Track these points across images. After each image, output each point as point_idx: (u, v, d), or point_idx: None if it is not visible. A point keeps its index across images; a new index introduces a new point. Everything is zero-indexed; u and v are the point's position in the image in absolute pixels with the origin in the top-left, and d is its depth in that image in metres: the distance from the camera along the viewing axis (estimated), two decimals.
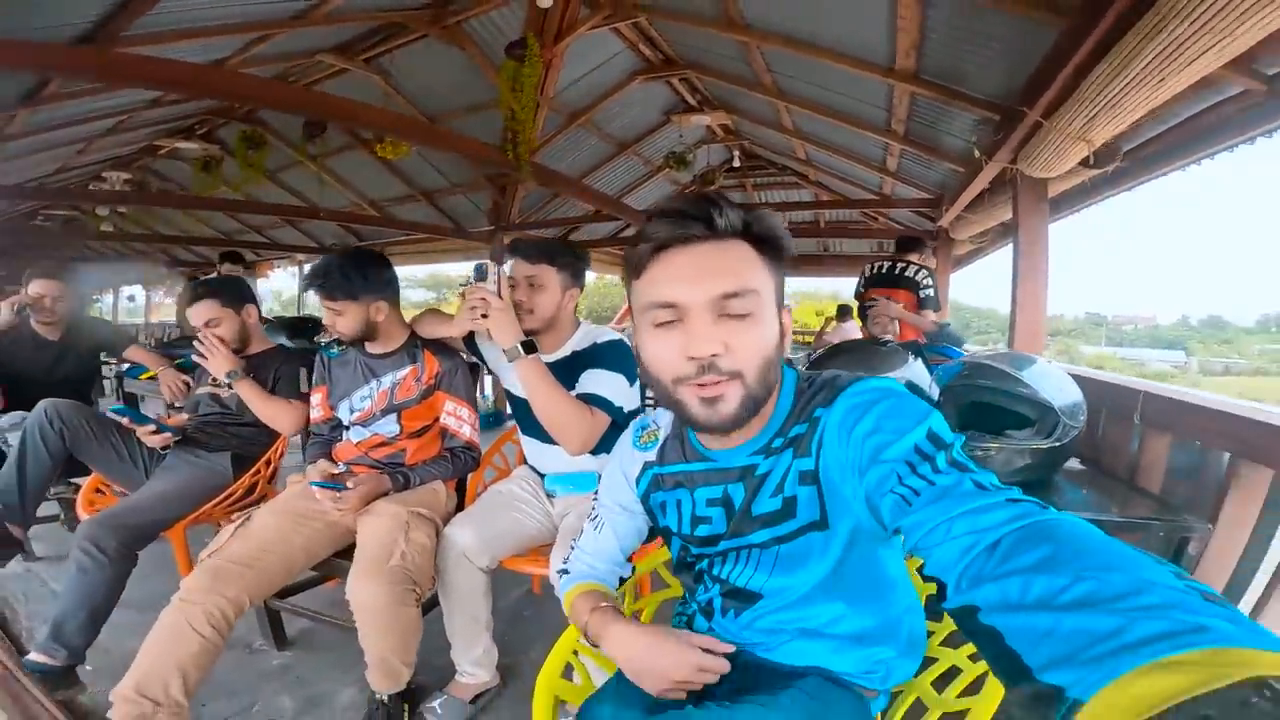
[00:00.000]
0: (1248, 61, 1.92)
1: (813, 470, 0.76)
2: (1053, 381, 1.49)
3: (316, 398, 1.88)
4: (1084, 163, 2.23)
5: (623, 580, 1.04)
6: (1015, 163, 2.58)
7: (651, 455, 0.94)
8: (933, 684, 0.96)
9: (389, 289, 1.75)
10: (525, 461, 1.86)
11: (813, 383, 0.81)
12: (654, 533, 1.02)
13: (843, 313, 6.87)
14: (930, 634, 1.04)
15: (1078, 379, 1.61)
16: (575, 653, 1.08)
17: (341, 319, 1.69)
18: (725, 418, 0.72)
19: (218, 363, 1.96)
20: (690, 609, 0.95)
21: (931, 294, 3.39)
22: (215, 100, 5.11)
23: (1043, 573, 0.43)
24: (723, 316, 0.72)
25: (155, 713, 1.23)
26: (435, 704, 1.60)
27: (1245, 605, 1.31)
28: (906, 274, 3.46)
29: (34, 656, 1.53)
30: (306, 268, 12.11)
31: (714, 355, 0.71)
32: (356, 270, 1.68)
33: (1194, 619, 0.35)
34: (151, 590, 2.08)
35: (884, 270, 3.54)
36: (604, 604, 0.93)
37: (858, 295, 3.66)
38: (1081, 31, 1.83)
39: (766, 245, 0.76)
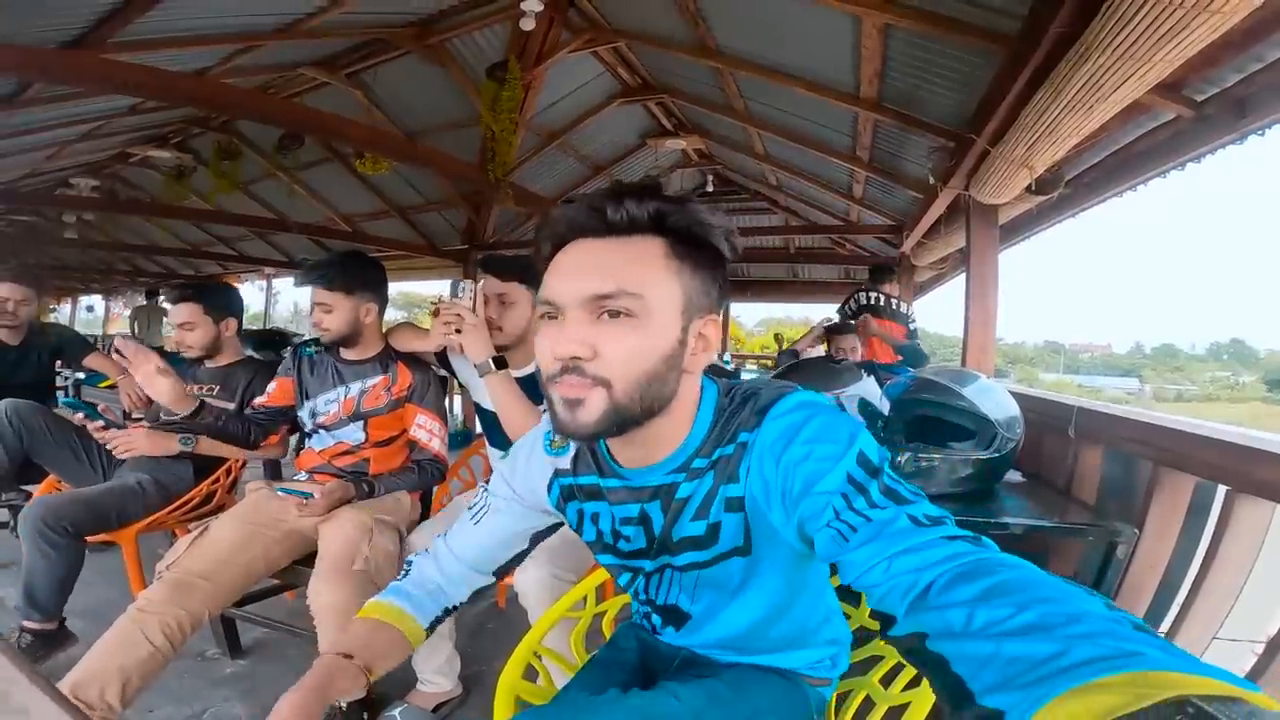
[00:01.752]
0: (1179, 88, 2.04)
1: (740, 497, 0.72)
2: (992, 397, 1.58)
3: (273, 385, 1.83)
4: (1029, 189, 2.36)
5: (453, 606, 0.90)
6: (967, 189, 2.71)
7: (564, 463, 0.85)
8: (880, 680, 1.00)
9: (380, 294, 1.78)
10: (491, 473, 1.88)
11: (734, 398, 0.75)
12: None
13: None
14: (875, 633, 1.08)
15: (1017, 395, 1.70)
16: (537, 655, 1.09)
17: (331, 315, 1.69)
18: (583, 425, 0.66)
19: (156, 443, 1.87)
20: (645, 616, 0.95)
21: (914, 326, 3.97)
22: (195, 109, 5.07)
23: (985, 604, 0.45)
24: (601, 317, 0.66)
25: (87, 715, 1.21)
26: (395, 712, 1.56)
27: (1173, 607, 1.39)
28: (900, 309, 3.98)
29: (26, 624, 1.67)
30: (275, 282, 11.96)
31: (575, 357, 0.65)
32: (356, 267, 1.72)
33: (1125, 645, 0.37)
34: (100, 598, 2.05)
35: (879, 302, 4.01)
36: (345, 657, 0.78)
37: (850, 316, 3.94)
38: (1020, 62, 1.94)
39: (688, 243, 0.69)
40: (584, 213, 0.69)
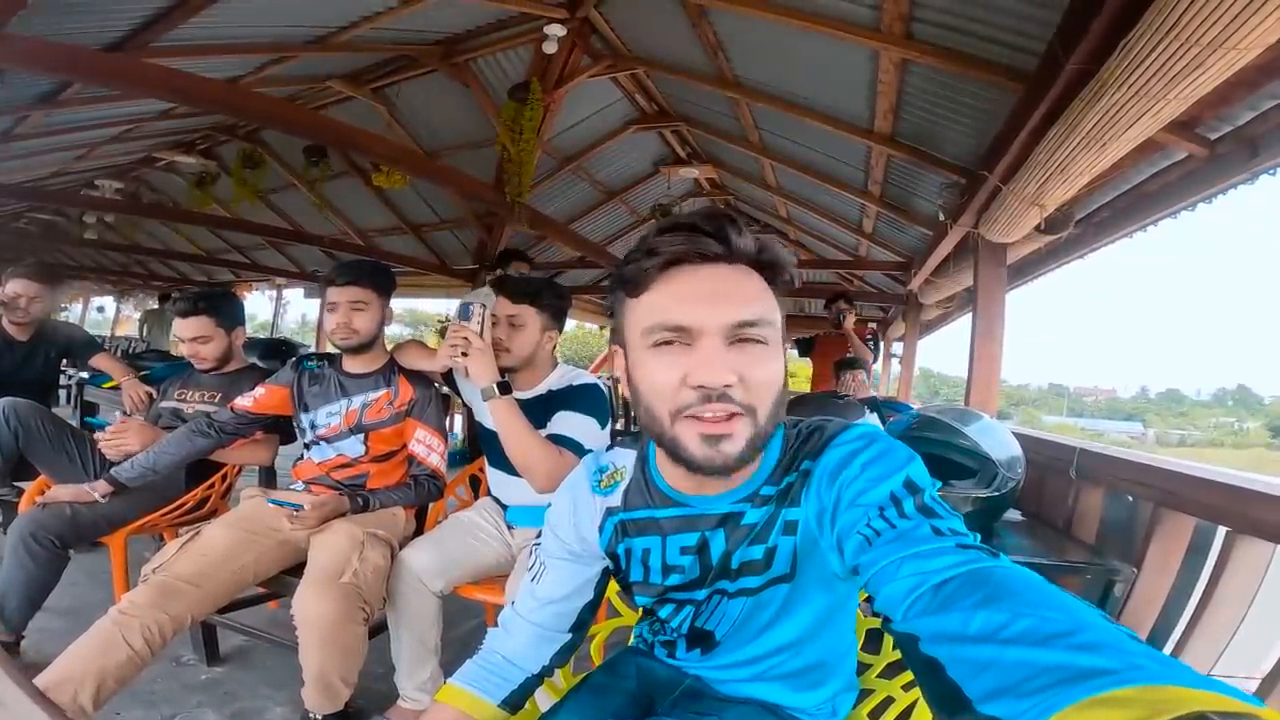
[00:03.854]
0: (1192, 125, 2.04)
1: (796, 521, 0.74)
2: (994, 436, 1.59)
3: (261, 390, 1.81)
4: (1039, 228, 2.36)
5: (534, 675, 0.89)
6: (977, 227, 2.72)
7: (615, 500, 0.85)
8: (869, 714, 0.99)
9: (391, 293, 1.82)
10: (489, 493, 1.87)
11: (799, 432, 0.77)
12: (616, 578, 0.92)
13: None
14: (868, 666, 1.07)
15: (1020, 436, 1.71)
16: None
17: (364, 314, 1.71)
18: (729, 458, 0.65)
19: (146, 438, 1.86)
20: (651, 639, 0.94)
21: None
22: (224, 116, 5.18)
23: (983, 609, 0.45)
24: (736, 344, 0.66)
25: (63, 713, 1.19)
26: None
27: (1169, 644, 1.39)
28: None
29: None
30: (285, 292, 12.06)
31: (726, 386, 0.64)
32: (385, 271, 1.78)
33: (1128, 658, 0.36)
34: (83, 598, 2.04)
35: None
36: None
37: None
38: (1035, 98, 1.94)
39: (774, 276, 0.71)
40: (701, 237, 0.68)
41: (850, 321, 4.40)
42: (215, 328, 2.01)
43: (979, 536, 0.58)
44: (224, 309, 2.04)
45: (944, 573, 0.52)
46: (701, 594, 0.81)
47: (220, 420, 1.81)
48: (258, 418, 1.83)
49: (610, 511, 0.85)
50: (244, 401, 1.82)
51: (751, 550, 0.76)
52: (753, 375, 0.65)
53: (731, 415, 0.64)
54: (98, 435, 1.90)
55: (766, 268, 0.70)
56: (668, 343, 0.67)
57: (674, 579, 0.82)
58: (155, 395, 2.28)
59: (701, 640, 0.85)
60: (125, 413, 2.48)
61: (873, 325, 4.89)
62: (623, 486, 0.85)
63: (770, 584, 0.77)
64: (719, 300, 0.66)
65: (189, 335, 1.99)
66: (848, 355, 4.17)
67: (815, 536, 0.72)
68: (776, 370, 0.68)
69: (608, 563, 0.89)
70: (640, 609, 0.95)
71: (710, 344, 0.65)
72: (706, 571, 0.79)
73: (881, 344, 4.57)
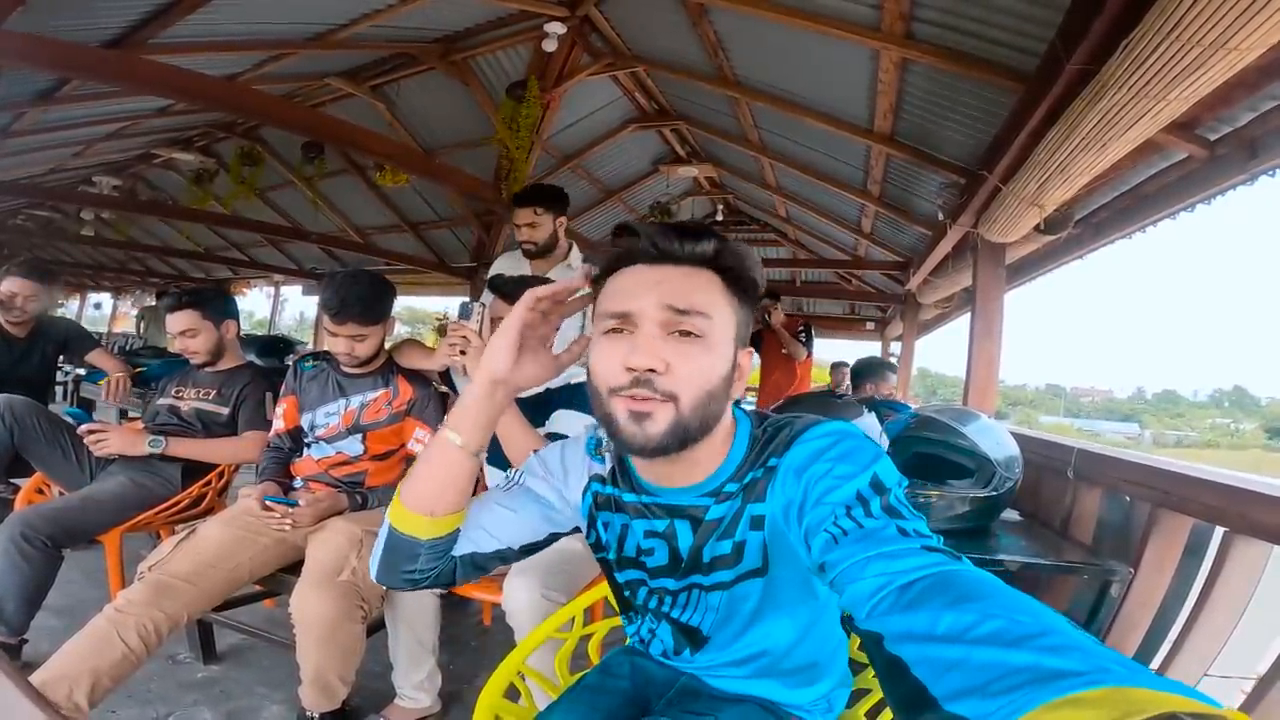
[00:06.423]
0: (1192, 126, 2.04)
1: (763, 515, 0.75)
2: (992, 436, 1.59)
3: (282, 407, 1.85)
4: (1038, 228, 2.36)
5: (474, 554, 0.82)
6: (976, 227, 2.72)
7: (603, 470, 0.87)
8: (865, 714, 1.00)
9: (391, 309, 1.80)
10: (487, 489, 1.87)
11: (767, 430, 0.79)
12: (598, 559, 0.91)
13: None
14: (865, 666, 1.06)
15: (1017, 436, 1.71)
16: (521, 675, 1.07)
17: (364, 344, 1.70)
18: (651, 438, 0.68)
19: (127, 441, 1.90)
20: (648, 638, 0.93)
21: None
22: (223, 114, 5.16)
23: (951, 610, 0.45)
24: (672, 335, 0.69)
25: (60, 713, 1.18)
26: None
27: (1165, 645, 1.39)
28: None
29: None
30: (284, 289, 12.05)
31: (651, 370, 0.67)
32: (382, 295, 1.74)
33: (1096, 661, 0.37)
34: (78, 596, 2.03)
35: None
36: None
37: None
38: (1035, 98, 1.95)
39: (734, 279, 0.74)
40: (643, 241, 0.73)
41: (779, 318, 4.30)
42: (202, 320, 2.00)
43: (942, 539, 0.60)
44: (210, 302, 2.04)
45: (911, 574, 0.53)
46: (675, 584, 0.83)
47: (284, 443, 1.86)
48: (296, 429, 1.85)
49: (596, 479, 0.87)
50: (278, 425, 1.85)
51: (721, 545, 0.78)
52: (679, 365, 0.69)
53: (650, 399, 0.68)
54: (81, 428, 1.90)
55: (726, 271, 0.73)
56: (615, 330, 0.71)
57: (646, 560, 0.84)
58: (130, 390, 2.35)
59: (690, 637, 0.86)
60: (123, 411, 2.48)
61: (803, 318, 4.81)
62: (612, 463, 0.87)
63: (743, 578, 0.78)
64: (654, 288, 0.70)
65: (177, 329, 2.00)
66: (783, 350, 4.26)
67: (783, 531, 0.73)
68: (708, 365, 0.70)
69: (573, 523, 0.89)
70: (629, 608, 0.94)
71: (647, 330, 0.69)
72: (676, 560, 0.81)
73: (814, 337, 4.49)
